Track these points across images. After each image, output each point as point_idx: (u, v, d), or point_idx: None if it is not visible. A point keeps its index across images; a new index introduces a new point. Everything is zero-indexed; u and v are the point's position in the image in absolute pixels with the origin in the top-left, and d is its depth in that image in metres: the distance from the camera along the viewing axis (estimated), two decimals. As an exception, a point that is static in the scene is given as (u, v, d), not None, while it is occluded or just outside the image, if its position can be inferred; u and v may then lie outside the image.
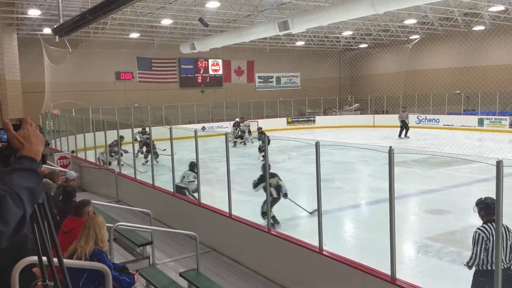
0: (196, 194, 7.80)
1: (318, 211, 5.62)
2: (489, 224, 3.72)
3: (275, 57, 29.97)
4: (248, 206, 8.84)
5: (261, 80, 31.69)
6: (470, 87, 25.16)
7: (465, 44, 26.15)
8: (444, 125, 23.73)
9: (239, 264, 6.10)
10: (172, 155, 8.20)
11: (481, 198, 3.99)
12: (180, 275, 5.29)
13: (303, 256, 5.09)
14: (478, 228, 3.85)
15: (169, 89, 27.38)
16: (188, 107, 26.69)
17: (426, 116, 25.65)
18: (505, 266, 3.62)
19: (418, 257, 6.23)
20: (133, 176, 10.09)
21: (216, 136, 12.34)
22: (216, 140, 9.57)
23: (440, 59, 28.25)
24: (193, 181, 8.37)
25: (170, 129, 8.15)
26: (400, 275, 4.04)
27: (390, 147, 3.82)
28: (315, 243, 4.93)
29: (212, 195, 10.06)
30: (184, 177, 8.67)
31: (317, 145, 4.76)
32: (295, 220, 8.54)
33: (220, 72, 29.80)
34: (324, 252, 4.84)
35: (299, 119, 28.85)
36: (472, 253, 3.85)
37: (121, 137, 13.10)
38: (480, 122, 23.33)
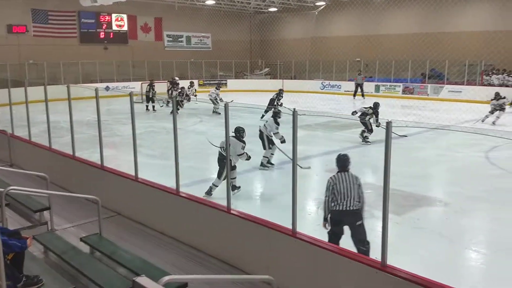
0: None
1: (227, 173, 5.73)
2: (339, 173, 4.86)
3: (185, 15, 29.03)
4: (155, 169, 8.69)
5: (170, 39, 30.59)
6: (369, 55, 26.79)
7: (367, 12, 27.58)
8: (345, 91, 25.12)
9: (146, 227, 6.03)
10: (70, 115, 7.67)
11: (338, 154, 5.10)
12: (81, 240, 5.10)
13: (212, 216, 5.18)
14: (330, 177, 4.85)
15: (68, 45, 25.33)
16: (90, 65, 25.06)
17: (329, 82, 26.88)
18: (351, 208, 4.64)
19: (318, 212, 6.65)
20: (28, 138, 9.34)
21: (121, 97, 11.80)
22: (122, 100, 9.17)
23: (343, 26, 29.51)
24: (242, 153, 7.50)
25: (68, 87, 7.57)
26: (301, 228, 4.30)
27: (294, 109, 3.95)
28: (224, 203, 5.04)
29: (117, 158, 9.71)
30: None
31: (226, 106, 4.77)
32: (207, 182, 8.61)
33: (125, 28, 28.21)
34: (232, 212, 4.96)
35: (211, 82, 28.63)
36: (325, 197, 4.84)
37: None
38: (377, 89, 25.08)
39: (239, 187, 7.64)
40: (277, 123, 9.51)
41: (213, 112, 17.85)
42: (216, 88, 18.54)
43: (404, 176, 8.41)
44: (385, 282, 3.52)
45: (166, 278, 2.79)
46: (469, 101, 20.60)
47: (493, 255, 5.46)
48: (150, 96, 19.10)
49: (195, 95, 19.43)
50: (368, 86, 24.96)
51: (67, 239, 5.18)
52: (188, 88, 19.66)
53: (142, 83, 23.85)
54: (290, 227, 4.29)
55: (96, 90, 6.77)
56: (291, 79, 29.24)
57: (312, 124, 14.69)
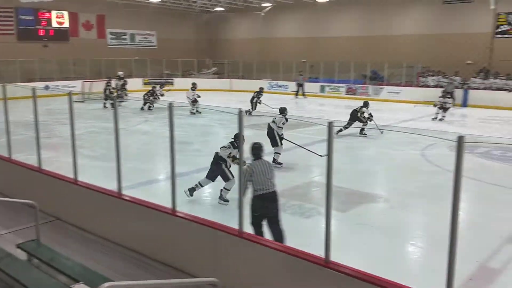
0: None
1: (172, 174, 5.62)
2: (254, 161, 5.27)
3: (129, 13, 28.26)
4: (97, 172, 8.39)
5: (114, 36, 29.64)
6: (314, 56, 27.42)
7: (312, 15, 28.23)
8: (292, 91, 25.51)
9: (87, 232, 5.81)
10: (7, 116, 7.23)
11: (253, 142, 5.45)
12: (18, 246, 4.82)
13: (156, 219, 5.07)
14: (246, 166, 5.19)
15: (5, 42, 23.87)
16: (29, 63, 23.76)
17: (277, 82, 27.21)
18: (271, 190, 5.04)
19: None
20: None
21: (61, 96, 11.28)
22: (63, 100, 8.75)
23: (290, 28, 29.99)
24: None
25: (4, 86, 7.14)
26: (247, 228, 4.32)
27: (240, 109, 3.96)
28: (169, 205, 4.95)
29: (56, 160, 9.27)
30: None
31: (170, 106, 4.68)
32: (152, 184, 8.43)
33: (66, 25, 27.00)
34: (177, 214, 4.88)
35: (156, 80, 28.07)
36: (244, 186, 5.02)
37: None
38: (322, 89, 25.71)
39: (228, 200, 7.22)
40: (286, 120, 9.79)
41: (191, 113, 17.36)
42: (191, 88, 17.87)
43: (348, 173, 8.70)
44: (329, 278, 3.62)
45: (106, 284, 2.70)
46: (407, 101, 21.66)
47: (429, 248, 5.77)
48: (107, 94, 18.73)
49: (162, 95, 18.94)
50: (313, 87, 25.53)
51: (3, 246, 4.88)
52: (160, 87, 19.34)
53: (83, 82, 22.96)
54: (237, 227, 4.29)
55: (33, 89, 6.43)
56: (239, 78, 29.29)
57: (260, 124, 14.79)
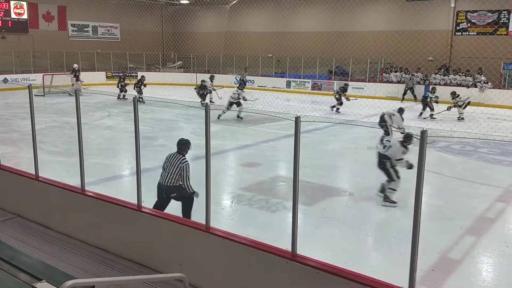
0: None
1: (137, 169, 5.52)
2: (173, 153, 5.61)
3: (91, 5, 27.43)
4: (59, 167, 8.14)
5: (75, 28, 28.74)
6: (280, 51, 27.55)
7: (278, 10, 28.30)
8: (258, 86, 25.56)
9: (49, 229, 5.63)
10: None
11: (181, 138, 5.75)
12: (-25, 246, 4.61)
13: (121, 215, 4.97)
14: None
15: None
16: (-15, 56, 22.78)
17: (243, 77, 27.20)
18: (168, 184, 5.43)
19: (232, 206, 6.72)
20: None
21: (21, 90, 10.85)
22: (22, 93, 8.42)
23: (256, 22, 29.99)
24: (400, 159, 6.82)
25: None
26: (214, 223, 4.30)
27: (207, 104, 3.93)
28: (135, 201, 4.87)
29: (17, 156, 8.95)
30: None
31: (134, 100, 4.59)
32: (116, 179, 8.25)
33: (25, 16, 25.97)
34: (143, 210, 4.81)
35: (120, 74, 27.47)
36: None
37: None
38: (288, 84, 25.89)
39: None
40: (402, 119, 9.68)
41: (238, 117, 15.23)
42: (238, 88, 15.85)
43: (313, 168, 8.81)
44: (296, 271, 3.66)
45: (70, 282, 2.63)
46: (371, 97, 22.11)
47: (393, 240, 5.93)
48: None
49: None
50: (280, 82, 25.68)
51: (-42, 246, 4.66)
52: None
53: (44, 75, 22.18)
54: (205, 223, 4.27)
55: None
56: (205, 73, 29.06)
57: (229, 119, 14.76)
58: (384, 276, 3.39)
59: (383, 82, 23.51)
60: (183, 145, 5.67)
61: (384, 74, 24.01)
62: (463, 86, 21.27)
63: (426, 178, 8.80)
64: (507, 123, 15.49)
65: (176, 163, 5.49)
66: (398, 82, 22.63)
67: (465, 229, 6.04)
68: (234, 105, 14.87)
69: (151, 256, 4.71)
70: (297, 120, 3.35)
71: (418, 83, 21.86)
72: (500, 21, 21.28)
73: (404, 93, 21.87)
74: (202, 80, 18.43)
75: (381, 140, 8.00)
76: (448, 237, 5.72)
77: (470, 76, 21.45)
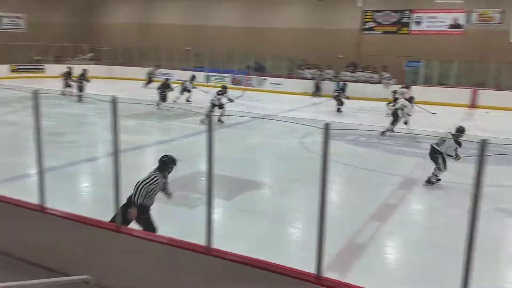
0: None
1: (40, 167, 5.15)
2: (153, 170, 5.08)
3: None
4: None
5: (-27, 17, 26.05)
6: (199, 45, 27.29)
7: (196, 2, 27.98)
8: (176, 79, 25.10)
9: None
10: None
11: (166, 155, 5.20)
12: None
13: (23, 216, 4.62)
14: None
15: None
16: None
17: (160, 71, 26.52)
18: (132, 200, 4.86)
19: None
20: None
21: None
22: None
23: (173, 14, 29.34)
24: (452, 155, 7.75)
25: None
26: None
27: (114, 97, 3.78)
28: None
29: None
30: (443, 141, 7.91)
31: (36, 94, 4.27)
32: (20, 179, 7.65)
33: None
34: (47, 210, 4.51)
35: (26, 67, 25.43)
36: None
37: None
38: (207, 79, 25.75)
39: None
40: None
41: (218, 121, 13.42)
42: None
43: (233, 162, 8.88)
44: (211, 265, 3.66)
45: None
46: (288, 92, 22.79)
47: (306, 229, 6.18)
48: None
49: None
50: (199, 76, 25.46)
51: None
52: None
53: None
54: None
55: None
56: (119, 65, 27.92)
57: (142, 113, 14.33)
58: (298, 264, 3.52)
59: (299, 79, 24.29)
60: (164, 164, 5.07)
61: (299, 70, 24.81)
62: (369, 82, 22.70)
63: (336, 169, 9.24)
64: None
65: (145, 180, 4.98)
66: (312, 78, 23.56)
67: (370, 215, 6.47)
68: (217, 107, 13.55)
69: (56, 258, 4.44)
70: (208, 115, 3.35)
71: (324, 79, 23.06)
72: (402, 20, 22.95)
73: (315, 88, 22.92)
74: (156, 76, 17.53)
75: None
76: (355, 223, 6.10)
77: (377, 73, 22.92)
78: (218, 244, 3.72)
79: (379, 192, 7.58)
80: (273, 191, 7.80)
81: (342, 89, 18.03)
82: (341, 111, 17.07)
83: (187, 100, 17.88)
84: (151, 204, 5.04)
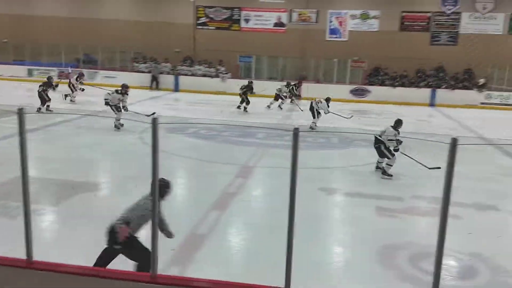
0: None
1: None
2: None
3: None
4: None
5: None
6: (18, 36, 24.21)
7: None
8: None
9: None
10: None
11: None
12: None
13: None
14: None
15: None
16: None
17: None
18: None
19: None
20: None
21: None
22: None
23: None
24: (393, 140, 8.58)
25: None
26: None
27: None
28: None
29: None
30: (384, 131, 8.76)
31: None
32: None
33: None
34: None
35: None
36: None
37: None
38: (30, 73, 23.09)
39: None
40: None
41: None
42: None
43: (62, 163, 8.11)
44: (32, 278, 3.26)
45: None
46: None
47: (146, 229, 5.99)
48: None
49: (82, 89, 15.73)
50: (20, 70, 22.65)
51: None
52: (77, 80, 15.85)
53: None
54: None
55: None
56: None
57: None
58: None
59: (134, 72, 23.52)
60: (162, 187, 4.20)
61: (134, 64, 24.01)
62: (207, 76, 23.24)
63: (179, 162, 9.19)
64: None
65: (137, 204, 4.24)
66: (149, 72, 23.08)
67: (210, 205, 6.61)
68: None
69: None
70: (20, 112, 2.93)
71: (161, 72, 22.95)
72: (233, 17, 23.98)
73: (152, 82, 22.60)
74: (49, 77, 14.69)
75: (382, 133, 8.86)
76: (196, 215, 6.14)
77: (213, 67, 23.56)
78: (49, 255, 3.32)
79: (218, 182, 7.78)
80: (109, 192, 7.37)
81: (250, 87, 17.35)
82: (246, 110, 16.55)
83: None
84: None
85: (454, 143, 2.81)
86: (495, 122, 15.79)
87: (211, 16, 24.06)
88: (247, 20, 23.80)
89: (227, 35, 23.89)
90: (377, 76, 22.80)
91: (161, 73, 23.01)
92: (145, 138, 11.09)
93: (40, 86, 14.02)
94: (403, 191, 7.59)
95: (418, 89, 21.49)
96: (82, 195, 6.96)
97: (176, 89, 22.77)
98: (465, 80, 22.15)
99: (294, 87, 18.63)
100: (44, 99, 13.79)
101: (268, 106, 17.13)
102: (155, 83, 22.73)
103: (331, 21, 23.23)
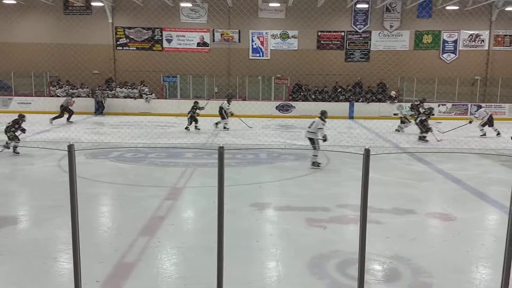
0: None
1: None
2: None
3: None
4: None
5: None
6: None
7: None
8: None
9: None
10: None
11: None
12: None
13: None
14: None
15: None
16: None
17: None
18: None
19: None
20: None
21: None
22: None
23: None
24: (321, 128, 10.29)
25: None
26: None
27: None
28: None
29: None
30: (313, 123, 10.49)
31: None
32: None
33: None
34: None
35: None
36: None
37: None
38: None
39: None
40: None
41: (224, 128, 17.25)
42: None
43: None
44: None
45: None
46: (39, 112, 20.56)
47: (69, 260, 5.63)
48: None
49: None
50: None
51: None
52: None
53: None
54: None
55: None
56: None
57: None
58: None
59: (51, 96, 22.33)
60: None
61: (51, 87, 22.81)
62: (130, 97, 22.68)
63: (103, 189, 8.82)
64: (174, 128, 17.53)
65: None
66: (67, 95, 22.04)
67: (139, 230, 6.38)
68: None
69: None
70: None
71: (88, 96, 22.05)
72: (154, 37, 23.74)
73: (97, 107, 21.77)
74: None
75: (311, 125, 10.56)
76: (122, 243, 5.89)
77: (136, 88, 23.05)
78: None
79: (146, 207, 7.55)
80: (27, 224, 6.85)
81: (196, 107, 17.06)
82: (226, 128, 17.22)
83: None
84: None
85: (367, 154, 3.00)
86: (408, 131, 17.00)
87: (132, 36, 23.63)
88: (169, 41, 23.69)
89: (150, 55, 23.59)
90: (300, 92, 23.67)
91: (108, 96, 22.22)
92: (63, 166, 10.52)
93: None
94: (329, 201, 7.88)
95: (338, 103, 22.60)
96: (3, 229, 6.41)
97: (101, 112, 21.95)
98: (379, 93, 23.70)
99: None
100: None
101: (216, 124, 17.36)
102: (100, 108, 21.80)
103: (253, 41, 23.88)
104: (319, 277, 4.99)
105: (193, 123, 17.01)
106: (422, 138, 14.80)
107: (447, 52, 24.50)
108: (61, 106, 18.60)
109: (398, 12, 23.86)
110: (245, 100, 23.46)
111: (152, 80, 22.96)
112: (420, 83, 23.76)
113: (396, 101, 23.03)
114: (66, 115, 18.55)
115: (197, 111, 16.90)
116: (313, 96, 23.09)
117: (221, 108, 18.38)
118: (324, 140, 10.20)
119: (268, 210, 7.60)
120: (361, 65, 24.26)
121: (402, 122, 17.46)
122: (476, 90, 24.50)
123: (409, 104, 23.02)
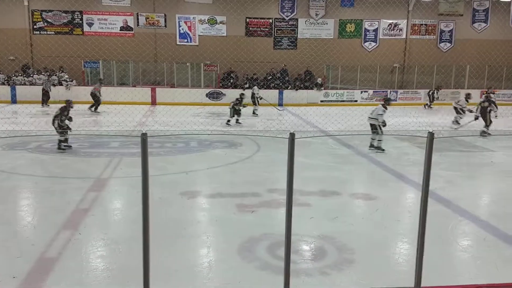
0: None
1: None
2: None
3: None
4: None
5: None
6: None
7: None
8: None
9: None
10: None
11: None
12: None
13: None
14: None
15: None
16: None
17: None
18: None
19: None
20: None
21: None
22: None
23: None
24: (382, 114, 10.90)
25: None
26: None
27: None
28: None
29: None
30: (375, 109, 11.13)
31: None
32: None
33: None
34: None
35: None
36: None
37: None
38: None
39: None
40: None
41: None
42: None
43: None
44: None
45: None
46: None
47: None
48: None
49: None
50: None
51: None
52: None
53: None
54: None
55: None
56: None
57: None
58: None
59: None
60: None
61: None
62: (53, 85, 21.30)
63: (19, 181, 8.24)
64: (98, 116, 16.71)
65: None
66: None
67: (61, 224, 6.05)
68: None
69: None
70: None
71: (3, 83, 20.33)
72: (74, 21, 22.41)
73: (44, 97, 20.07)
74: None
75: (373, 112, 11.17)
76: (45, 237, 5.56)
77: (55, 75, 21.68)
78: None
79: (68, 199, 7.17)
80: None
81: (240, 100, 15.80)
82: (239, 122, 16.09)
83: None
84: None
85: (292, 138, 3.06)
86: (333, 117, 17.68)
87: (50, 20, 22.12)
88: (90, 24, 22.48)
89: (69, 40, 22.23)
90: (230, 79, 23.62)
91: (54, 84, 20.55)
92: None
93: None
94: (259, 187, 7.99)
95: (267, 90, 22.90)
96: None
97: (13, 100, 20.41)
98: (306, 80, 24.33)
99: None
100: None
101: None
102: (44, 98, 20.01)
103: (180, 26, 23.36)
104: (248, 261, 5.06)
105: (235, 116, 15.64)
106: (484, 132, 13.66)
107: (369, 41, 25.69)
108: None
109: (323, 1, 24.53)
110: (173, 87, 22.99)
111: (72, 66, 21.69)
112: (344, 70, 24.73)
113: (322, 88, 23.78)
114: None
115: (240, 106, 15.57)
116: (247, 85, 22.80)
117: (253, 94, 18.05)
118: (384, 125, 10.94)
119: (199, 197, 7.55)
120: (288, 53, 24.70)
121: (457, 112, 15.86)
122: (395, 77, 26.01)
123: (333, 91, 23.89)
